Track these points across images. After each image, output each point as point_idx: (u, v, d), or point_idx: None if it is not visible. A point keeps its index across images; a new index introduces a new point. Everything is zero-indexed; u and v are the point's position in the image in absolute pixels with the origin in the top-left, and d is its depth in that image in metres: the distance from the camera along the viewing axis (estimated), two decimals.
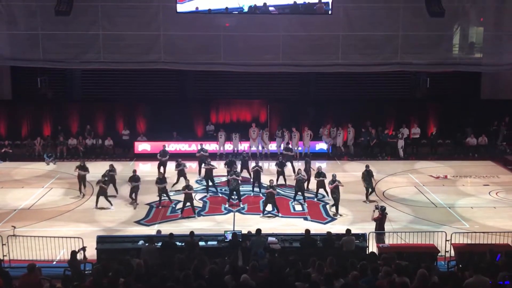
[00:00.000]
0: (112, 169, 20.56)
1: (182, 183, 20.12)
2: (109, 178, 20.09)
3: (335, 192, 18.75)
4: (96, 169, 21.58)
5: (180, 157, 22.19)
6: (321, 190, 20.11)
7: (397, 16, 24.56)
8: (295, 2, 23.53)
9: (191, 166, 23.45)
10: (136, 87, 28.55)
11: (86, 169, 20.82)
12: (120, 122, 28.36)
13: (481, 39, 25.94)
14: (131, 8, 24.59)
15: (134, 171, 20.34)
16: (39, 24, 24.35)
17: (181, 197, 19.35)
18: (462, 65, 25.55)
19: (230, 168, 20.68)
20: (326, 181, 19.68)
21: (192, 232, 14.20)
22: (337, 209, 18.75)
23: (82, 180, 20.73)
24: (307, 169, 21.32)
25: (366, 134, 26.84)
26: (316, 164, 21.42)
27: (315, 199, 20.19)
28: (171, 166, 22.47)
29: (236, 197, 19.81)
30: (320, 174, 20.08)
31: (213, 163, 21.77)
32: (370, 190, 20.09)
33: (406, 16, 24.53)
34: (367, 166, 20.19)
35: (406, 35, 24.67)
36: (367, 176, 20.06)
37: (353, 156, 26.52)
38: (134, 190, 19.64)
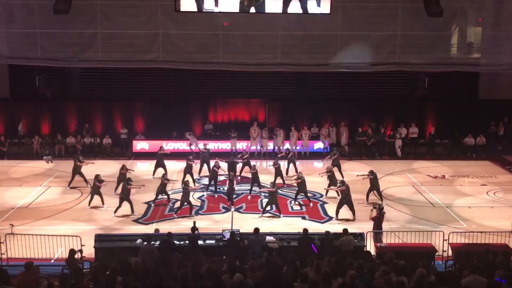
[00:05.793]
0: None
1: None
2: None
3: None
4: (94, 168, 21.47)
5: (178, 156, 22.17)
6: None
7: (396, 16, 24.49)
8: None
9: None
10: (134, 86, 28.51)
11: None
12: (118, 121, 28.33)
13: (479, 39, 25.90)
14: (130, 7, 24.53)
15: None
16: (38, 22, 24.25)
17: (178, 195, 19.35)
18: (460, 65, 25.49)
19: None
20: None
21: (194, 225, 14.32)
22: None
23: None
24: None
25: (363, 133, 26.87)
26: (314, 163, 21.43)
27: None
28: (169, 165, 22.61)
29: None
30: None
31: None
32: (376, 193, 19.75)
33: (404, 16, 24.46)
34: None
35: (405, 35, 24.61)
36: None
37: (348, 155, 26.50)
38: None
